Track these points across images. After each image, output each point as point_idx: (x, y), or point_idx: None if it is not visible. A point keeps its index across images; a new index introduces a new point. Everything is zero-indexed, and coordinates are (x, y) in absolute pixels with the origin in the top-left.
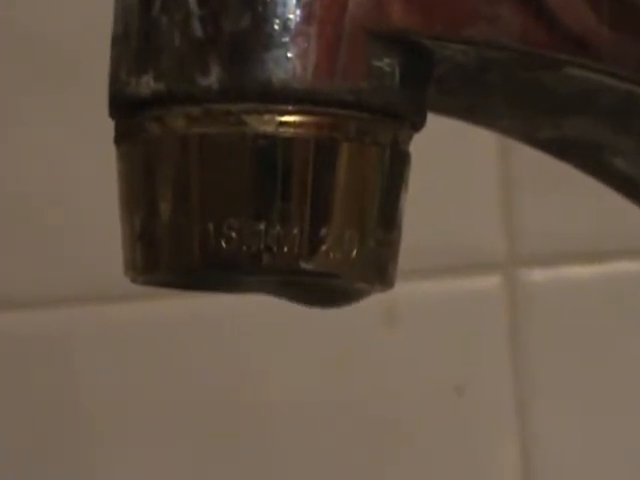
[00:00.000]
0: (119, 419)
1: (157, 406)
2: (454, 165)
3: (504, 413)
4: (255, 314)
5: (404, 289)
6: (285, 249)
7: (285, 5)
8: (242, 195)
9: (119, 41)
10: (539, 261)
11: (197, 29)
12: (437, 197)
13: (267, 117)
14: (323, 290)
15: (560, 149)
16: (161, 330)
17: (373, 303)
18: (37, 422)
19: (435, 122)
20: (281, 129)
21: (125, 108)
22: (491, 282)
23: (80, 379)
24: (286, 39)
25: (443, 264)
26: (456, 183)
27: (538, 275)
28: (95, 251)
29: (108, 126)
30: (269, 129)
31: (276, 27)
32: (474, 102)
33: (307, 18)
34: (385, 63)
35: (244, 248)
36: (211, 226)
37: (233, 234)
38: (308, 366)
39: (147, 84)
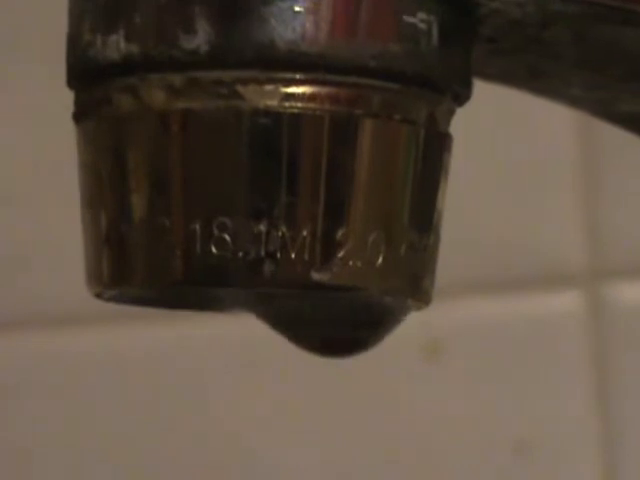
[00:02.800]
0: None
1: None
2: (518, 150)
3: (587, 476)
4: (254, 339)
5: (450, 311)
6: (292, 256)
7: None
8: (237, 187)
9: None
10: (628, 274)
11: None
12: (495, 191)
13: (269, 88)
14: (342, 311)
15: None
16: (125, 365)
17: (409, 330)
18: None
19: (491, 93)
20: (287, 103)
21: (88, 76)
22: (568, 300)
23: (17, 422)
24: None
25: (503, 278)
26: (521, 173)
27: (627, 291)
28: (42, 263)
29: (66, 100)
30: (272, 103)
31: None
32: (535, 66)
33: None
34: (419, 19)
35: (240, 255)
36: (198, 227)
37: (226, 237)
38: (329, 412)
39: (116, 45)
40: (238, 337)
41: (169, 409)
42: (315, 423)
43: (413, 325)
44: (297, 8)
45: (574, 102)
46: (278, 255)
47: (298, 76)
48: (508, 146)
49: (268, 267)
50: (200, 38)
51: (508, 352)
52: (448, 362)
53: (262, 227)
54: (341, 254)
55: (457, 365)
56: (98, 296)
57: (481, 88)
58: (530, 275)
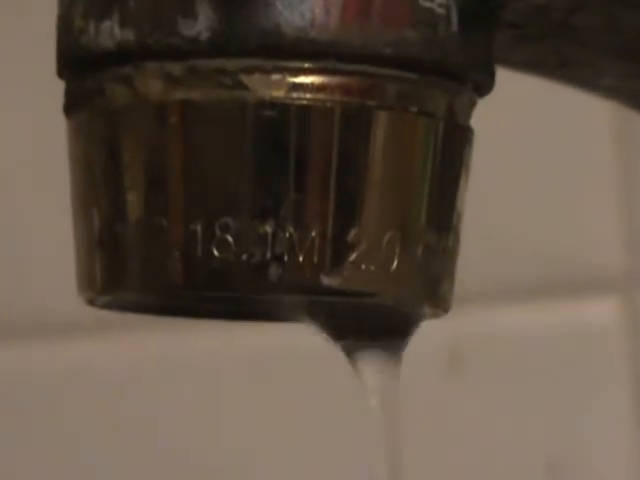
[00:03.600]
0: None
1: None
2: (549, 147)
3: None
4: (259, 347)
5: (474, 320)
6: (300, 259)
7: None
8: (241, 185)
9: None
10: None
11: None
12: (524, 191)
13: (275, 78)
14: (356, 314)
15: None
16: (119, 376)
17: (428, 342)
18: None
19: (519, 83)
20: (294, 94)
21: (80, 65)
22: (604, 309)
23: None
24: None
25: (534, 284)
26: (553, 173)
27: None
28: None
29: (56, 90)
30: (278, 94)
31: None
32: (563, 54)
33: None
34: (437, 3)
35: (244, 258)
36: (199, 227)
37: (229, 238)
38: (342, 430)
39: (111, 32)
40: (242, 346)
41: (167, 419)
42: (327, 438)
43: (433, 336)
44: None
45: (607, 92)
46: (285, 258)
47: (306, 65)
48: (539, 143)
49: (274, 271)
50: (201, 24)
51: (538, 365)
52: (472, 376)
53: (268, 228)
54: (353, 257)
55: (482, 379)
56: (90, 303)
57: (507, 77)
58: (563, 281)
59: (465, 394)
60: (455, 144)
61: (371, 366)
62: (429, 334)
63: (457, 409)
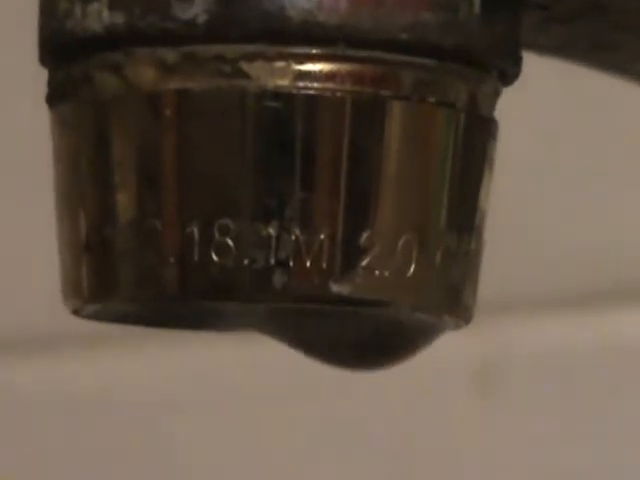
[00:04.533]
0: None
1: None
2: (594, 137)
3: None
4: (267, 363)
5: (508, 332)
6: (307, 264)
7: None
8: (242, 183)
9: None
10: None
11: None
12: (566, 189)
13: (279, 65)
14: (365, 328)
15: None
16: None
17: (456, 357)
18: None
19: (547, 70)
20: (300, 83)
21: (65, 51)
22: None
23: None
24: None
25: (576, 292)
26: (597, 166)
27: None
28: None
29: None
30: (283, 83)
31: None
32: (596, 36)
33: None
34: None
35: (245, 263)
36: (196, 230)
37: (229, 242)
38: (362, 460)
39: (99, 15)
40: (246, 360)
41: (167, 429)
42: (347, 467)
43: (461, 350)
44: None
45: None
46: (290, 263)
47: (314, 51)
48: (583, 132)
49: (279, 278)
50: (198, 6)
51: (582, 382)
52: (506, 396)
53: (272, 230)
54: (365, 262)
55: (517, 400)
56: (76, 312)
57: (534, 63)
58: (609, 289)
59: (498, 416)
60: (478, 137)
61: None
62: (454, 348)
63: (489, 433)
